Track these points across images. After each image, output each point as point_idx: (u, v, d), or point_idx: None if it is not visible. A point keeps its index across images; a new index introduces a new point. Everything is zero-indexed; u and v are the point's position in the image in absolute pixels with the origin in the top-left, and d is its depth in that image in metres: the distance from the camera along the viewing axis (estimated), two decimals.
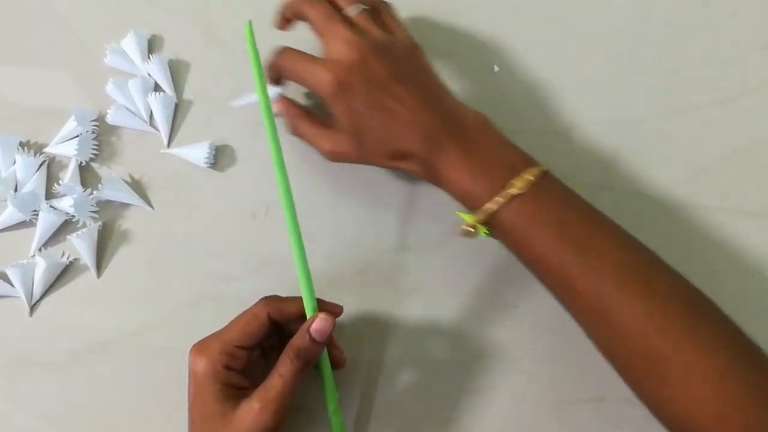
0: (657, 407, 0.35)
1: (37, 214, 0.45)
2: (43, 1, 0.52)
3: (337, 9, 0.42)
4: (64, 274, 0.46)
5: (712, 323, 0.34)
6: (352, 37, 0.40)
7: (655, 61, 0.51)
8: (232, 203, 0.47)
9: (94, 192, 0.46)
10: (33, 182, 0.46)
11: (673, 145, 0.49)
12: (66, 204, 0.45)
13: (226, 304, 0.44)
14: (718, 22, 0.51)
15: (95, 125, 0.48)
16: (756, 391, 0.33)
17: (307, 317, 0.37)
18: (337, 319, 0.38)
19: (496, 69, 0.50)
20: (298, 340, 0.36)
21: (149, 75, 0.49)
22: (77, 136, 0.47)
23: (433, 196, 0.47)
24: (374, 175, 0.47)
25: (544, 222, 0.36)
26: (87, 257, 0.45)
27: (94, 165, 0.48)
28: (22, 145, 0.48)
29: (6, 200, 0.46)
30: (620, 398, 0.43)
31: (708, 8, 0.52)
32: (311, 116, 0.43)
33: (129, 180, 0.48)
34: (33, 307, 0.45)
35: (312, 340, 0.36)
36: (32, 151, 0.47)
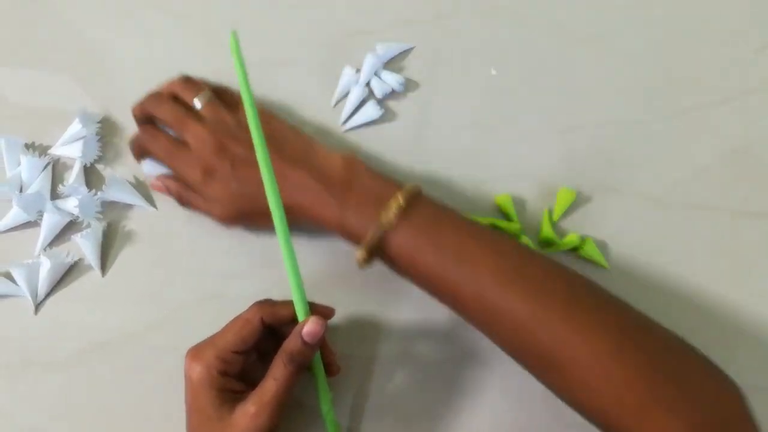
0: (562, 397, 0.36)
1: (42, 215, 0.46)
2: (46, 1, 0.53)
3: (185, 101, 0.45)
4: (68, 273, 0.46)
5: (592, 309, 0.35)
6: (204, 130, 0.43)
7: (655, 61, 0.51)
8: None
9: (99, 193, 0.47)
10: (38, 183, 0.47)
11: (673, 145, 0.49)
12: (71, 205, 0.46)
13: (229, 303, 0.45)
14: (717, 23, 0.51)
15: (99, 127, 0.49)
16: (645, 369, 0.33)
17: (299, 321, 0.38)
18: (330, 320, 0.39)
19: (494, 72, 0.51)
20: (290, 344, 0.37)
21: None
22: (82, 137, 0.48)
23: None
24: None
25: (421, 243, 0.38)
26: (91, 257, 0.46)
27: (99, 166, 0.49)
28: (27, 146, 0.48)
29: (11, 200, 0.46)
30: None
31: (708, 8, 0.52)
32: (193, 192, 0.45)
33: (133, 181, 0.48)
34: (38, 307, 0.45)
35: (304, 343, 0.36)
36: (37, 153, 0.48)
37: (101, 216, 0.47)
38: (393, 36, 0.51)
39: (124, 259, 0.47)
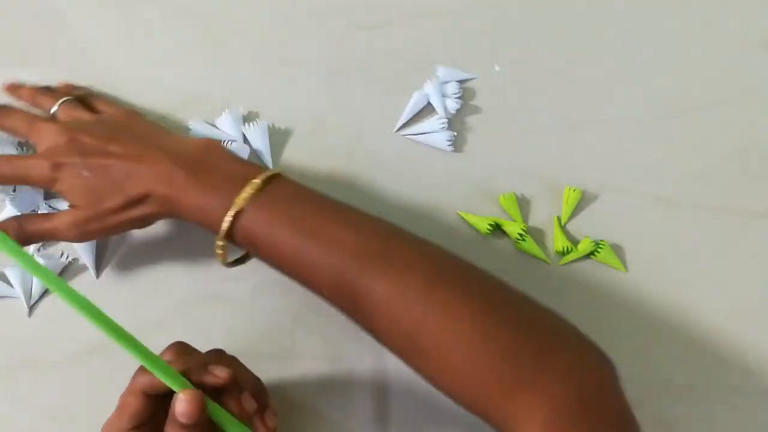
0: (430, 382, 0.35)
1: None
2: (44, 1, 0.52)
3: (43, 109, 0.44)
4: (63, 274, 0.45)
5: (456, 288, 0.34)
6: (55, 125, 0.41)
7: (656, 61, 0.51)
8: None
9: None
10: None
11: (673, 145, 0.49)
12: (64, 205, 0.45)
13: (226, 303, 0.45)
14: (718, 22, 0.52)
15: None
16: (509, 349, 0.32)
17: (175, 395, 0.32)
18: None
19: (497, 68, 0.50)
20: (168, 429, 0.32)
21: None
22: None
23: (433, 197, 0.47)
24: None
25: (278, 222, 0.36)
26: (86, 258, 0.45)
27: None
28: (20, 144, 0.47)
29: (5, 199, 0.45)
30: None
31: (708, 8, 0.52)
32: (32, 215, 0.43)
33: None
34: (32, 308, 0.45)
35: (181, 426, 0.32)
36: (30, 152, 0.47)
37: None
38: (395, 31, 0.51)
39: (119, 259, 0.46)
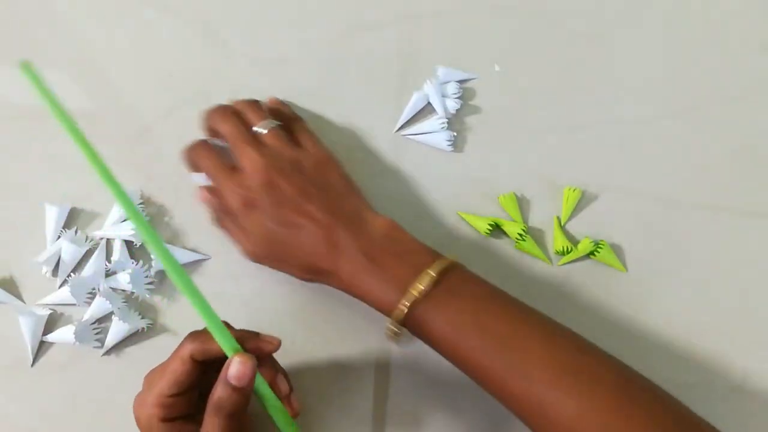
0: None
1: (92, 298, 0.44)
2: (44, 1, 0.52)
3: (250, 124, 0.43)
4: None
5: (646, 405, 0.34)
6: (259, 159, 0.40)
7: (655, 61, 0.51)
8: None
9: (152, 264, 0.45)
10: (92, 265, 0.45)
11: (673, 145, 0.49)
12: (123, 281, 0.44)
13: (227, 303, 0.45)
14: (718, 22, 0.52)
15: (141, 204, 0.47)
16: None
17: (227, 358, 0.33)
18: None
19: (497, 69, 0.50)
20: (216, 392, 0.33)
21: None
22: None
23: (433, 197, 0.47)
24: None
25: (459, 321, 0.36)
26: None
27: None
28: (67, 224, 0.46)
29: (46, 273, 0.45)
30: None
31: (708, 8, 0.52)
32: (234, 214, 0.42)
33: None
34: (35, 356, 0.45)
35: (233, 388, 0.33)
36: (81, 233, 0.46)
37: (152, 288, 0.45)
38: (395, 31, 0.51)
39: None
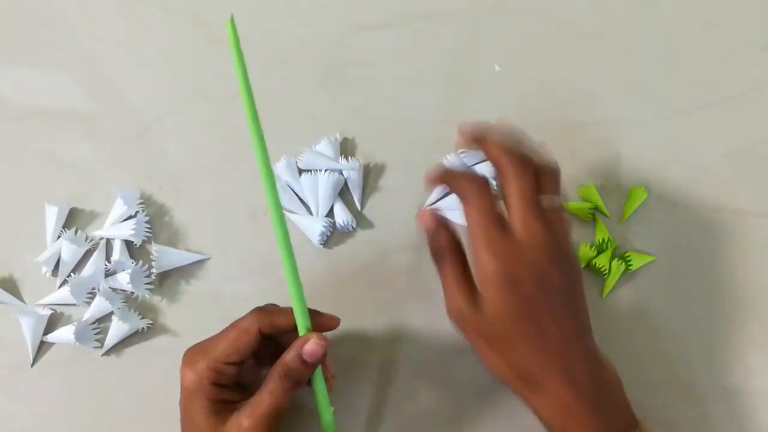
0: None
1: (92, 298, 0.44)
2: (45, 1, 0.52)
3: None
4: None
5: None
6: (542, 232, 0.34)
7: (655, 61, 0.51)
8: (231, 203, 0.47)
9: (152, 264, 0.44)
10: (92, 265, 0.45)
11: (673, 145, 0.49)
12: (124, 281, 0.44)
13: (226, 304, 0.45)
14: (718, 23, 0.51)
15: (142, 204, 0.47)
16: None
17: (300, 333, 0.36)
18: (338, 323, 0.37)
19: (498, 69, 0.50)
20: (288, 359, 0.35)
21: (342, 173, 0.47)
22: (129, 217, 0.46)
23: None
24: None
25: None
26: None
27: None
28: (74, 231, 0.46)
29: (46, 273, 0.45)
30: None
31: (708, 8, 0.52)
32: (460, 255, 0.36)
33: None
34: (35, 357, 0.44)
35: (303, 361, 0.35)
36: (81, 233, 0.46)
37: (152, 288, 0.45)
38: (395, 31, 0.51)
39: None
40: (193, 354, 0.36)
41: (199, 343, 0.37)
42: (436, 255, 0.37)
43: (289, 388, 0.34)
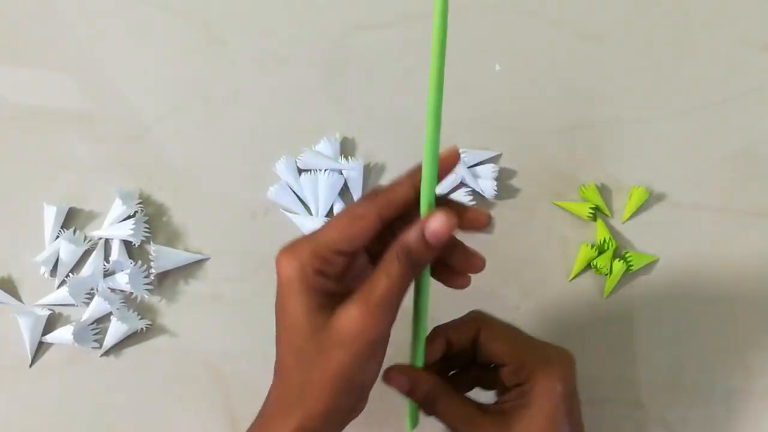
0: None
1: (91, 298, 0.44)
2: (45, 1, 0.52)
3: None
4: None
5: None
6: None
7: (655, 61, 0.51)
8: (230, 203, 0.47)
9: (151, 264, 0.44)
10: (90, 265, 0.45)
11: (673, 145, 0.48)
12: (123, 281, 0.44)
13: (226, 304, 0.45)
14: (718, 22, 0.51)
15: (140, 204, 0.46)
16: None
17: (424, 212, 0.29)
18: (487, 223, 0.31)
19: (498, 68, 0.50)
20: (410, 237, 0.28)
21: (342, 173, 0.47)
22: (128, 217, 0.46)
23: None
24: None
25: None
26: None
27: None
28: (74, 231, 0.45)
29: (44, 274, 0.45)
30: (624, 400, 0.43)
31: (708, 8, 0.52)
32: (456, 398, 0.33)
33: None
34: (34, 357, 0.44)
35: (426, 242, 0.28)
36: (79, 233, 0.45)
37: (150, 288, 0.45)
38: (395, 31, 0.51)
39: None
40: (292, 243, 0.30)
41: (300, 236, 0.30)
42: (426, 403, 0.33)
43: (409, 271, 0.29)
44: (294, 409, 0.29)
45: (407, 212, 0.30)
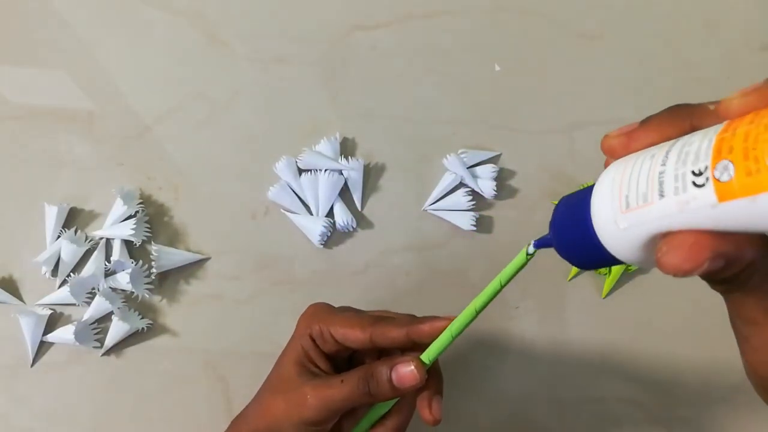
0: None
1: (92, 298, 0.44)
2: (44, 1, 0.52)
3: None
4: None
5: None
6: None
7: (655, 61, 0.51)
8: (231, 203, 0.47)
9: (152, 264, 0.44)
10: (92, 265, 0.45)
11: None
12: (124, 280, 0.44)
13: (226, 304, 0.45)
14: (718, 23, 0.51)
15: (141, 204, 0.46)
16: None
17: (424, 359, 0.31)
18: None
19: (498, 68, 0.50)
20: (378, 371, 0.31)
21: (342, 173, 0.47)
22: (129, 217, 0.46)
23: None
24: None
25: None
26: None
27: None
28: (75, 231, 0.45)
29: (45, 274, 0.45)
30: (621, 398, 0.43)
31: (708, 8, 0.52)
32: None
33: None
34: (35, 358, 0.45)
35: (390, 384, 0.30)
36: (79, 231, 0.46)
37: (151, 288, 0.45)
38: (395, 31, 0.51)
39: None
40: (318, 312, 0.34)
41: (328, 309, 0.34)
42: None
43: (363, 395, 0.31)
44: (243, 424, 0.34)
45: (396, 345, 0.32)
